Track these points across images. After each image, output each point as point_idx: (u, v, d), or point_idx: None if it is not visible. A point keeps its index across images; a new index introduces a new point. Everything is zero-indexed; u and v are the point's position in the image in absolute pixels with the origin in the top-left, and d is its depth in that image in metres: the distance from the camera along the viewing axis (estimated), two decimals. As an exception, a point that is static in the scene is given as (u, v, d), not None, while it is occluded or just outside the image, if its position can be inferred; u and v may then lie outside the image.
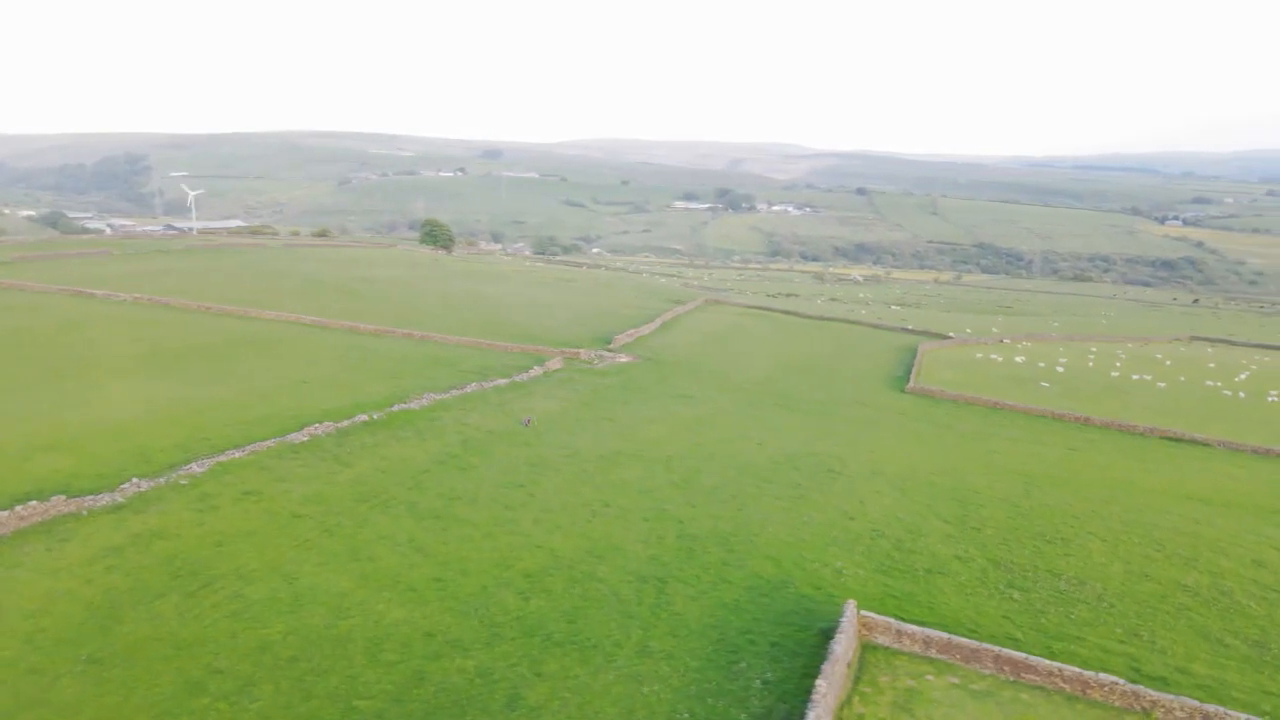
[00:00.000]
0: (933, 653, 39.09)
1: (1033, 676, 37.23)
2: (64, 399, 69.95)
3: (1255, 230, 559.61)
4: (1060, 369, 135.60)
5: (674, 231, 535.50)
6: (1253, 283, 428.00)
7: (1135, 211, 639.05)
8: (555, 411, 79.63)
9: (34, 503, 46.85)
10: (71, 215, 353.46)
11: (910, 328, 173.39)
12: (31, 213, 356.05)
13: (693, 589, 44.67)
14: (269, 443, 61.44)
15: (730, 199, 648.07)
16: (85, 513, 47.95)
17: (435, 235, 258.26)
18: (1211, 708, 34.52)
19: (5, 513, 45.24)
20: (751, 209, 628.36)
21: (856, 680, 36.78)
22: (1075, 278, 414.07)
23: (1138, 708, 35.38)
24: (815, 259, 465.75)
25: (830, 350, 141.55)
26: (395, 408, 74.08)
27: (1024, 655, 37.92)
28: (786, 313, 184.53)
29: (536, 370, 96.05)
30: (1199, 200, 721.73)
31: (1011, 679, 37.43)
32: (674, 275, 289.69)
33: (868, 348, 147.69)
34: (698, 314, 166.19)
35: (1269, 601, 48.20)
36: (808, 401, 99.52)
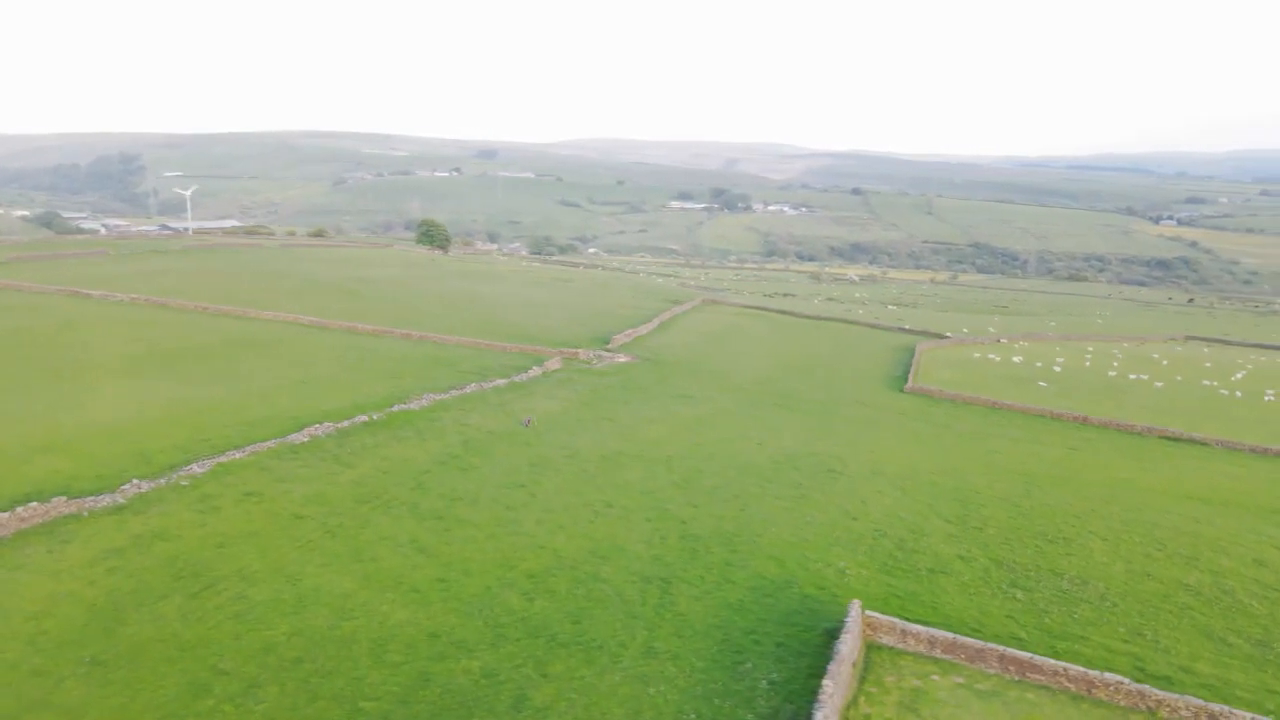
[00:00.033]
0: (937, 652, 39.09)
1: (1038, 676, 37.25)
2: (62, 400, 69.65)
3: (1249, 230, 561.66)
4: (1057, 369, 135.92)
5: (670, 231, 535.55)
6: (1247, 282, 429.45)
7: (1130, 211, 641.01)
8: (555, 412, 79.54)
9: (34, 504, 46.65)
10: (66, 215, 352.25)
11: (907, 327, 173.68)
12: (26, 213, 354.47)
13: (697, 589, 44.63)
14: (269, 443, 61.28)
15: (726, 199, 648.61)
16: (86, 514, 47.75)
17: (432, 235, 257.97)
18: (1217, 707, 34.58)
19: (6, 514, 45.04)
20: (747, 209, 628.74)
21: (862, 680, 36.77)
22: (1070, 277, 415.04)
23: (1143, 707, 35.43)
24: (811, 259, 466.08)
25: (828, 350, 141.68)
26: (395, 408, 73.95)
27: (1029, 655, 37.95)
28: (783, 312, 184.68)
29: (535, 370, 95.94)
30: (1193, 200, 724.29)
31: (1017, 678, 37.45)
32: (670, 275, 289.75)
33: (865, 347, 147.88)
34: (695, 314, 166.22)
35: (1271, 600, 48.30)
36: (807, 401, 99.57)
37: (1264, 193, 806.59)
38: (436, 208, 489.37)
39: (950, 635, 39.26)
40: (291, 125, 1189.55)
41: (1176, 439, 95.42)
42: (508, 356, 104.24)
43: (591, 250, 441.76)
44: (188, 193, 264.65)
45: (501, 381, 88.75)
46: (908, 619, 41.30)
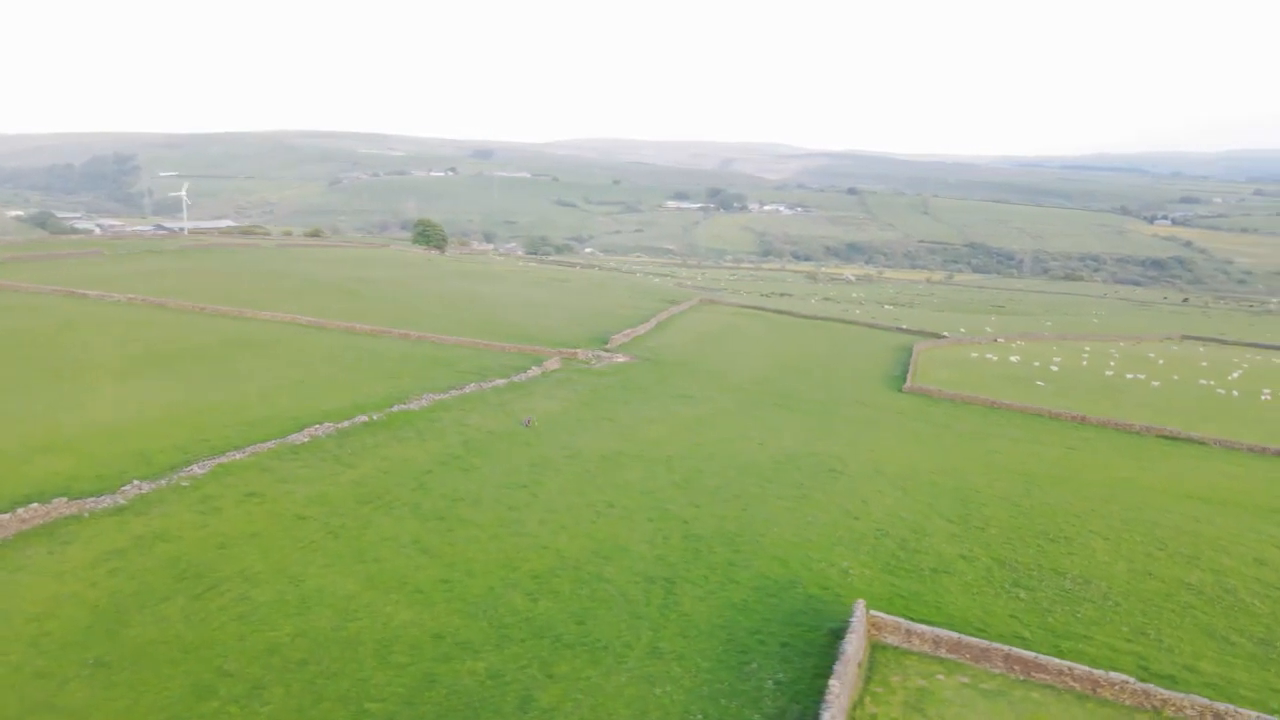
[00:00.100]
0: (942, 652, 39.11)
1: (1043, 675, 37.29)
2: (61, 400, 69.40)
3: (1243, 230, 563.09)
4: (1054, 368, 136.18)
5: (666, 231, 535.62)
6: (1241, 282, 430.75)
7: (1124, 211, 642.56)
8: (555, 412, 79.46)
9: (35, 505, 46.47)
10: (60, 215, 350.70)
11: (904, 327, 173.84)
12: (20, 213, 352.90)
13: (700, 589, 44.61)
14: (269, 444, 61.13)
15: (722, 199, 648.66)
16: (87, 515, 47.58)
17: (428, 235, 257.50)
18: (1222, 706, 34.66)
19: (7, 515, 44.86)
20: (743, 209, 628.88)
21: (868, 680, 36.77)
22: (1066, 277, 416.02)
23: (1149, 706, 35.49)
24: (807, 259, 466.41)
25: (826, 350, 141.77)
26: (395, 408, 73.83)
27: (1034, 654, 38.00)
28: (781, 312, 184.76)
29: (534, 370, 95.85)
30: (1187, 200, 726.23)
31: (1022, 678, 37.49)
32: (667, 275, 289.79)
33: (863, 347, 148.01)
34: (693, 314, 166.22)
35: (1272, 599, 48.43)
36: (806, 401, 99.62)
37: (1258, 192, 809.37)
38: (432, 208, 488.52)
39: (955, 635, 39.29)
40: (287, 125, 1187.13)
41: (1175, 438, 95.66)
42: (506, 356, 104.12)
43: (587, 250, 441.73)
44: (182, 192, 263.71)
45: (501, 381, 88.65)
46: (912, 619, 41.32)
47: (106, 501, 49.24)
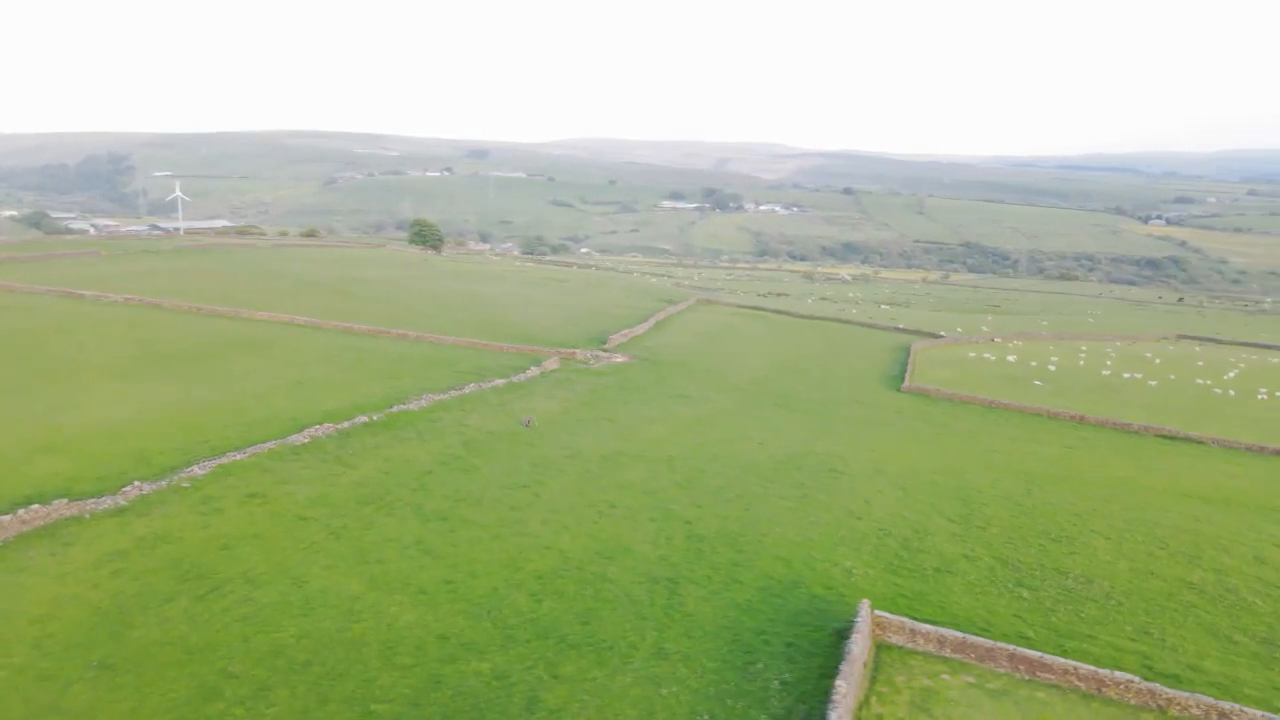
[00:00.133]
0: (947, 652, 39.12)
1: (1048, 675, 37.32)
2: (59, 401, 69.09)
3: (1237, 230, 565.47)
4: (1052, 368, 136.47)
5: (662, 231, 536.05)
6: (1235, 281, 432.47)
7: (1119, 211, 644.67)
8: (555, 412, 79.36)
9: (36, 506, 46.24)
10: (54, 215, 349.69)
11: (902, 327, 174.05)
12: (14, 213, 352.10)
13: (704, 590, 44.56)
14: (270, 444, 60.93)
15: (718, 199, 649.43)
16: (88, 516, 47.37)
17: (424, 235, 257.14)
18: (1227, 705, 34.70)
19: (8, 516, 44.62)
20: (739, 209, 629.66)
21: (873, 680, 36.76)
22: (1061, 277, 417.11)
23: (1154, 706, 35.52)
24: (803, 259, 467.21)
25: (823, 349, 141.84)
26: (395, 409, 73.65)
27: (1038, 654, 38.01)
28: (778, 312, 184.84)
29: (533, 370, 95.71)
30: (1181, 200, 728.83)
31: (1027, 677, 37.51)
32: (664, 275, 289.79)
33: (861, 347, 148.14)
34: (690, 314, 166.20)
35: (1274, 599, 48.54)
36: (805, 401, 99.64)
37: (1251, 192, 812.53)
38: (428, 208, 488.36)
39: (959, 634, 39.29)
40: (282, 125, 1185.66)
41: (1173, 437, 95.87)
42: (505, 357, 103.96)
43: (584, 250, 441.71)
44: (178, 192, 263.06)
45: (500, 382, 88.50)
46: (916, 618, 41.33)
47: (108, 502, 49.03)
